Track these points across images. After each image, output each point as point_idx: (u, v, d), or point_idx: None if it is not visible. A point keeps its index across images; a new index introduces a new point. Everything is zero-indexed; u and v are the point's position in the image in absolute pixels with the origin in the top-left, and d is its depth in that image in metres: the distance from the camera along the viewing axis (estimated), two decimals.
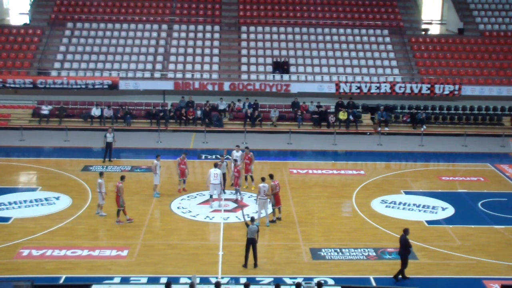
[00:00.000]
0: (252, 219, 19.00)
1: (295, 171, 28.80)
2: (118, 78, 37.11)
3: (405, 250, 18.07)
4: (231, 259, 19.23)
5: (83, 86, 36.71)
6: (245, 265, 18.58)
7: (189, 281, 16.98)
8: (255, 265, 18.61)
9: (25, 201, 23.92)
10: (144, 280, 17.82)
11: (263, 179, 22.27)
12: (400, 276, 18.09)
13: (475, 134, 36.27)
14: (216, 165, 23.86)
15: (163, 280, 17.46)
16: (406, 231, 18.26)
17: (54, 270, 18.29)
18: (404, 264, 18.10)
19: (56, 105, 37.05)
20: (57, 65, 38.48)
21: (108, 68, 38.38)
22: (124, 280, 17.75)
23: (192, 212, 23.21)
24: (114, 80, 36.84)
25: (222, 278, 17.93)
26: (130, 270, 18.38)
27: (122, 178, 22.41)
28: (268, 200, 21.96)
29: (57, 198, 24.33)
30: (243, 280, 17.45)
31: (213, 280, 17.38)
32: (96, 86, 36.73)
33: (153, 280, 17.78)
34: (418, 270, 18.87)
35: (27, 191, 25.26)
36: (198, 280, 17.08)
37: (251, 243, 18.55)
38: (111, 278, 17.83)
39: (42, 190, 25.31)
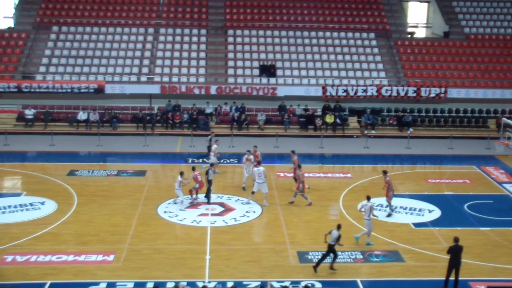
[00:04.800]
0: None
1: (282, 174, 28.76)
2: (104, 82, 36.92)
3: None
4: (218, 263, 19.16)
5: (69, 90, 36.46)
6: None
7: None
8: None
9: (9, 206, 23.65)
10: (131, 285, 17.68)
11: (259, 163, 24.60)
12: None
13: (461, 136, 36.44)
14: (182, 174, 24.12)
15: (150, 285, 17.36)
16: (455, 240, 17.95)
17: (39, 276, 18.10)
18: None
19: (42, 109, 36.76)
20: (42, 69, 38.20)
21: (94, 72, 38.16)
22: (111, 285, 17.60)
23: (179, 216, 23.11)
24: (100, 84, 36.64)
25: (209, 282, 17.86)
26: (116, 275, 18.24)
27: (300, 165, 24.72)
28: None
29: (42, 203, 24.09)
30: (230, 284, 17.38)
31: (200, 285, 17.37)
32: (82, 90, 36.51)
33: (140, 285, 17.65)
34: (404, 272, 18.91)
35: (12, 196, 24.99)
36: (185, 284, 16.97)
37: None
38: (97, 284, 17.68)
39: (27, 195, 25.06)
